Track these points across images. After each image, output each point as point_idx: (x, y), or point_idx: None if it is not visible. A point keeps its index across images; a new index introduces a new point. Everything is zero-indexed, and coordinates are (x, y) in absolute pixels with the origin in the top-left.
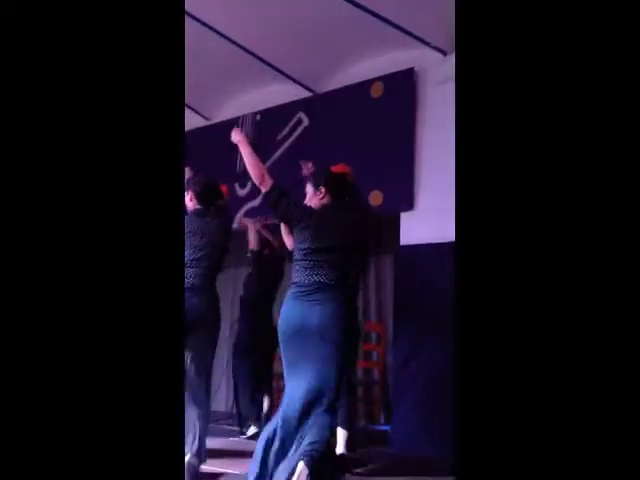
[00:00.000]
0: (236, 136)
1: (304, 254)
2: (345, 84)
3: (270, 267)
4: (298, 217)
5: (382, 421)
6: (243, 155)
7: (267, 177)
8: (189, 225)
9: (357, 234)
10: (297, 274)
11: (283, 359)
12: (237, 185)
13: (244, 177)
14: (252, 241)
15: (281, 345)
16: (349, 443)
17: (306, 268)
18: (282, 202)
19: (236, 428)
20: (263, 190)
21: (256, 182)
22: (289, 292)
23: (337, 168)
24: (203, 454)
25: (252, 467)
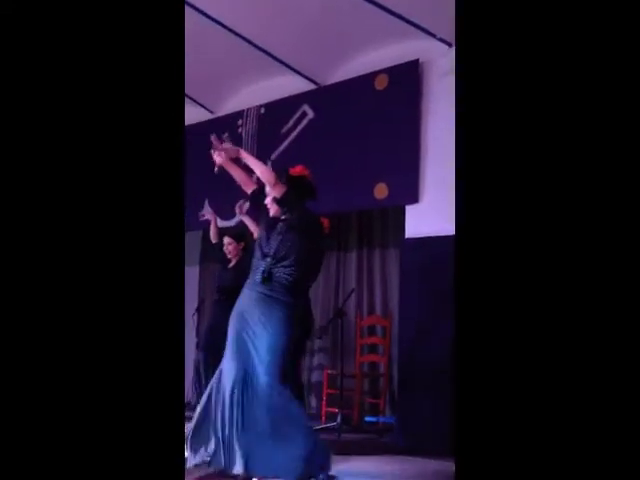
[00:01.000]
0: (231, 152)
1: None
2: (349, 76)
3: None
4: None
5: (387, 413)
6: (249, 164)
7: (279, 181)
8: None
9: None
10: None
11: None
12: None
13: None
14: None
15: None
16: None
17: None
18: (297, 204)
19: None
20: (276, 194)
21: (269, 185)
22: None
23: (295, 170)
24: None
25: None
